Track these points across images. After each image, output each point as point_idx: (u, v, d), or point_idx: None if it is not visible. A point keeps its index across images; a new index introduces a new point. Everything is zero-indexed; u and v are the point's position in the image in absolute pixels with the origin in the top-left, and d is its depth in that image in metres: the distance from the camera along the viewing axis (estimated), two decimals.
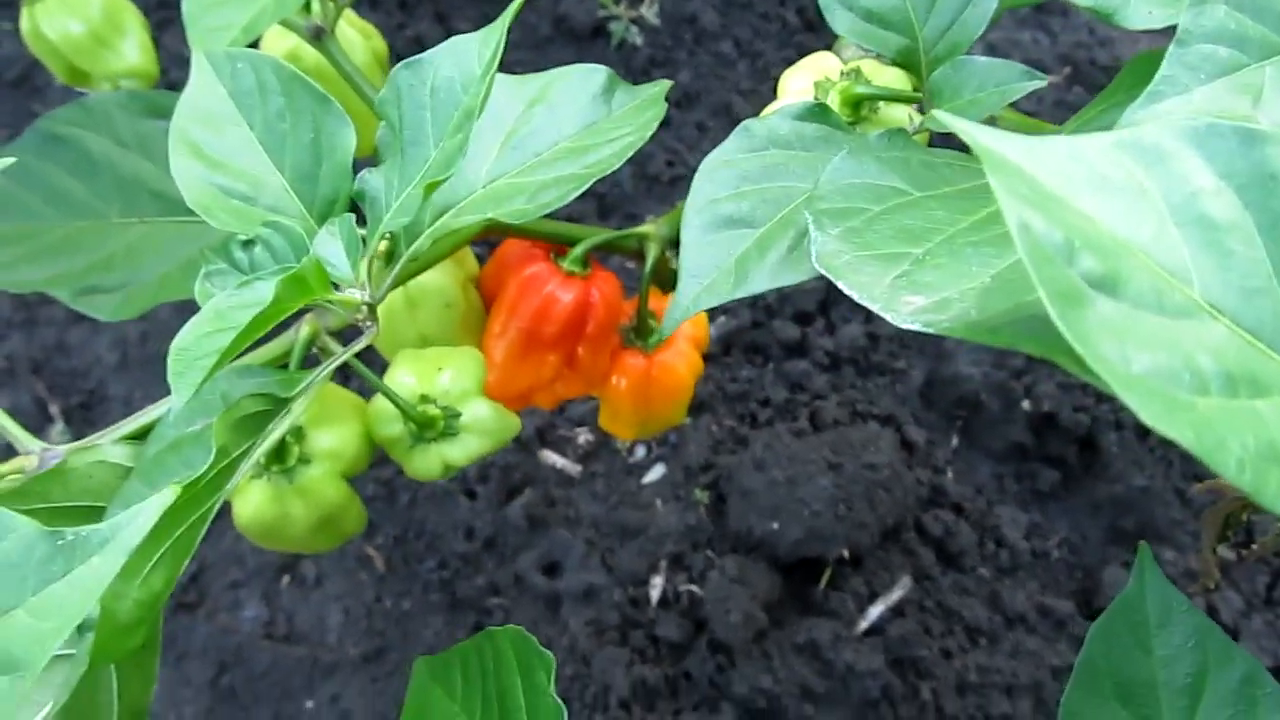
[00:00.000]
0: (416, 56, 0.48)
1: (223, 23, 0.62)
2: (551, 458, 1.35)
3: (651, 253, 0.79)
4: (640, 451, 1.38)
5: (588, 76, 0.57)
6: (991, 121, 0.56)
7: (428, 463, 0.63)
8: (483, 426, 0.63)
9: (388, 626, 1.31)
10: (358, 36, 0.78)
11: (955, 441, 1.40)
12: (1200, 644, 0.54)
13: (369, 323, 0.51)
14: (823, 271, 0.41)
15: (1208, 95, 0.37)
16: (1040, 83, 0.51)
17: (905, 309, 0.37)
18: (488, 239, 0.77)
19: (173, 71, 1.52)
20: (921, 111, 0.57)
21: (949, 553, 1.33)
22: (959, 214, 0.45)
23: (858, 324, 1.43)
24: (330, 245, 0.49)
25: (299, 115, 0.54)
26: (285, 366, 0.59)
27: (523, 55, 1.57)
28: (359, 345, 0.51)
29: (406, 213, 0.46)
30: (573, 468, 1.35)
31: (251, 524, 0.61)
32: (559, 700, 0.47)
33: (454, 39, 0.47)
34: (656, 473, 1.36)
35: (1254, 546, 0.71)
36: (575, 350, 0.78)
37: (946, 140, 0.58)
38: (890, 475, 1.30)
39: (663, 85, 0.59)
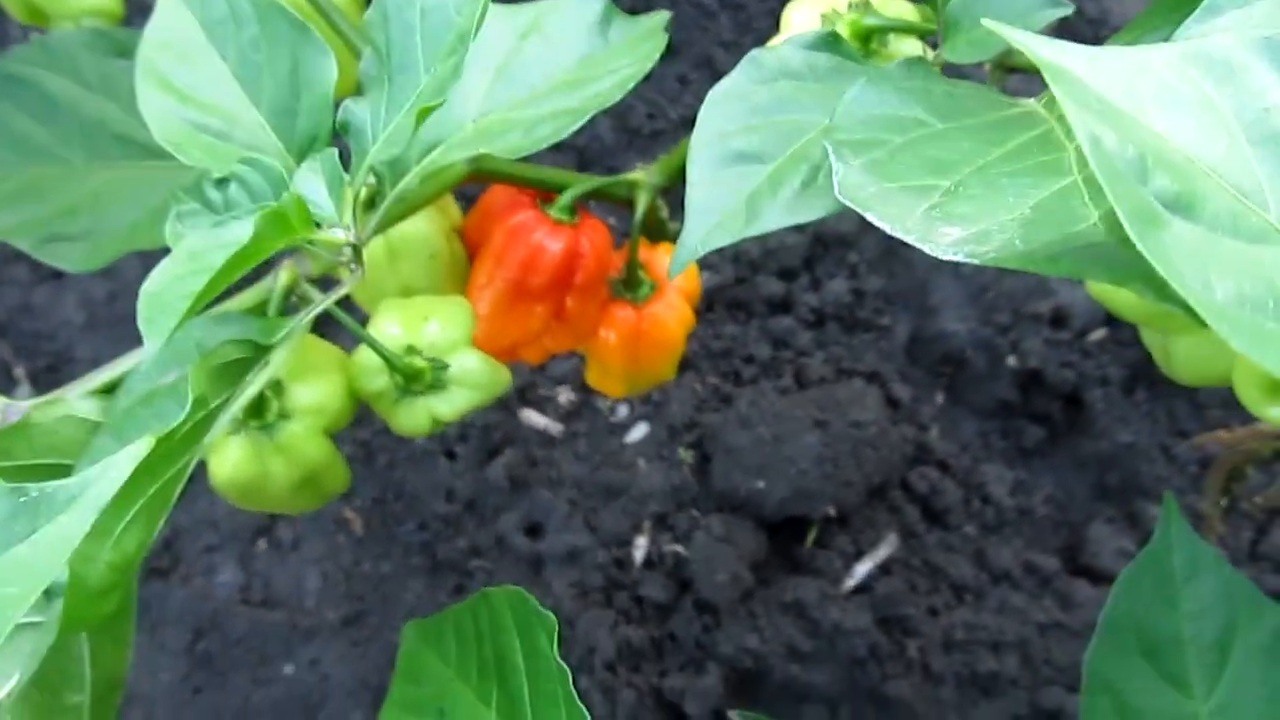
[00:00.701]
0: None
1: None
2: (532, 417, 1.32)
3: (641, 201, 0.76)
4: (623, 410, 1.35)
5: (583, 6, 0.54)
6: (1009, 55, 0.53)
7: (415, 417, 0.60)
8: (472, 379, 0.60)
9: (367, 590, 1.28)
10: None
11: (940, 399, 1.38)
12: (1229, 598, 0.52)
13: (354, 265, 0.47)
14: (849, 204, 0.39)
15: (1270, 8, 0.35)
16: (1066, 9, 0.48)
17: (943, 240, 0.35)
18: (471, 187, 0.73)
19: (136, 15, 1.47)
20: (934, 45, 0.54)
21: (934, 510, 1.32)
22: (988, 145, 0.42)
23: (842, 280, 1.40)
24: (312, 182, 0.46)
25: (276, 45, 0.50)
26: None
27: None
28: (343, 290, 0.48)
29: (395, 144, 0.43)
30: (554, 427, 1.33)
31: (229, 483, 0.58)
32: (561, 663, 0.44)
33: None
34: (640, 432, 1.33)
35: (1258, 499, 0.70)
36: (564, 302, 0.75)
37: (960, 74, 0.56)
38: (877, 433, 1.28)
39: (662, 16, 0.56)
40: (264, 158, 0.47)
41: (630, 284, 0.77)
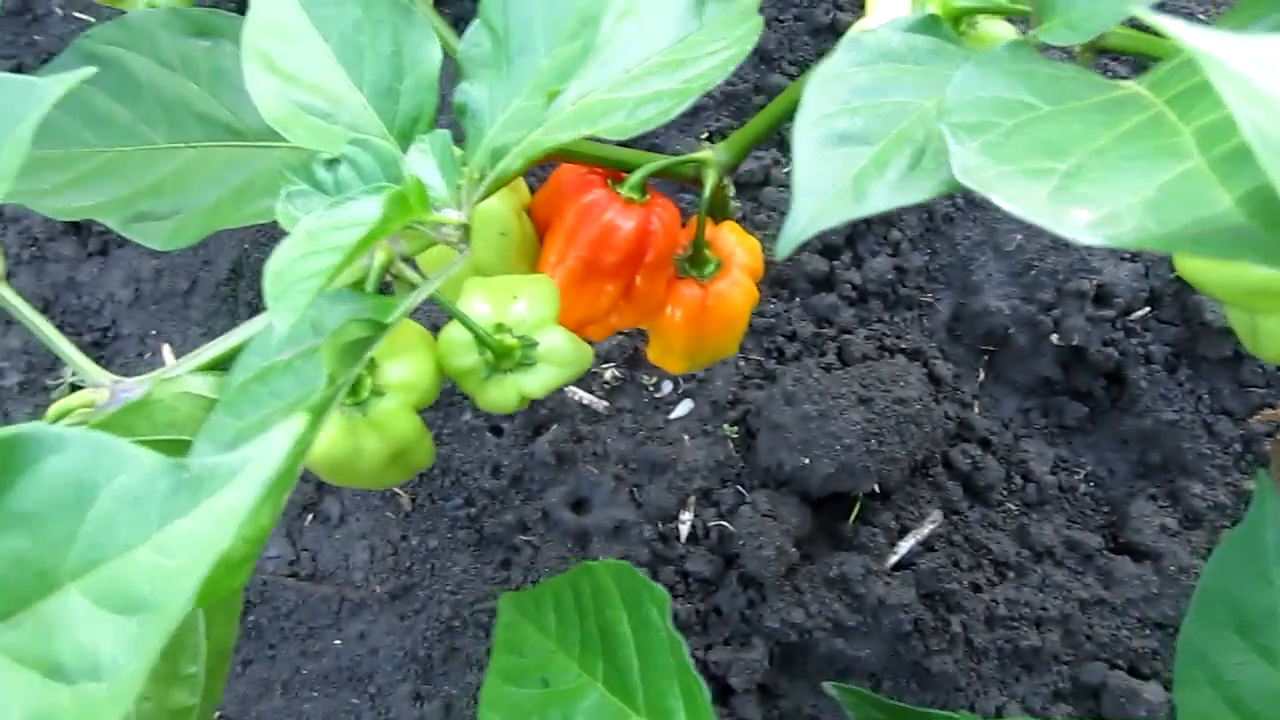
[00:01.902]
0: None
1: None
2: (578, 394, 1.33)
3: (710, 180, 0.76)
4: (667, 387, 1.36)
5: None
6: (1101, 37, 0.53)
7: (504, 394, 0.61)
8: (560, 356, 0.61)
9: (414, 564, 1.29)
10: None
11: (982, 375, 1.39)
12: None
13: (462, 245, 0.48)
14: (971, 186, 0.39)
15: None
16: None
17: (1076, 223, 0.35)
18: (540, 165, 0.74)
19: None
20: (1021, 27, 0.55)
21: (976, 487, 1.32)
22: (1099, 128, 0.43)
23: (885, 257, 1.41)
24: (423, 163, 0.47)
25: (378, 27, 0.51)
26: None
27: None
28: (455, 269, 0.48)
29: (519, 126, 0.43)
30: (599, 404, 1.34)
31: (322, 459, 0.59)
32: (675, 634, 0.45)
33: None
34: (684, 408, 1.34)
35: None
36: (633, 280, 0.76)
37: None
38: (920, 410, 1.29)
39: None
40: (375, 139, 0.47)
41: (696, 261, 0.78)
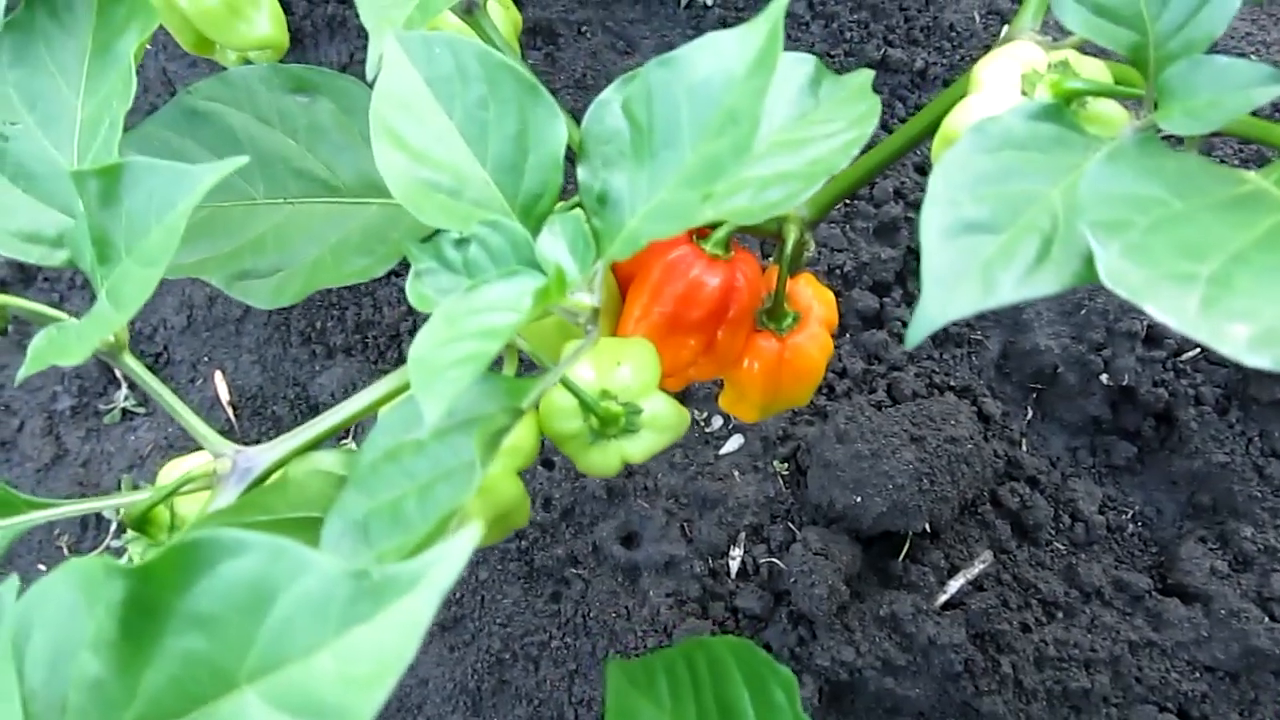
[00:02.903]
0: (670, 54, 0.45)
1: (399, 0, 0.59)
2: None
3: (791, 236, 0.77)
4: (717, 422, 1.36)
5: (795, 66, 0.55)
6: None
7: (606, 459, 0.61)
8: (662, 422, 0.61)
9: (465, 595, 1.30)
10: (499, 8, 0.75)
11: (1030, 414, 1.39)
12: None
13: (590, 327, 0.49)
14: (1121, 293, 0.40)
15: None
16: None
17: (1238, 340, 0.36)
18: None
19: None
20: (1134, 109, 0.55)
21: (1025, 526, 1.33)
22: (1235, 228, 0.43)
23: None
24: (556, 246, 0.47)
25: (503, 104, 0.51)
26: None
27: (590, 13, 1.54)
28: (585, 349, 0.49)
29: (665, 219, 0.44)
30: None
31: None
32: (805, 716, 0.45)
33: (710, 35, 0.45)
34: (734, 444, 1.35)
35: None
36: (715, 334, 0.77)
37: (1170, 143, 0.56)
38: (971, 449, 1.29)
39: (867, 75, 0.57)
40: (506, 220, 0.48)
41: (775, 315, 0.78)
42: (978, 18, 1.56)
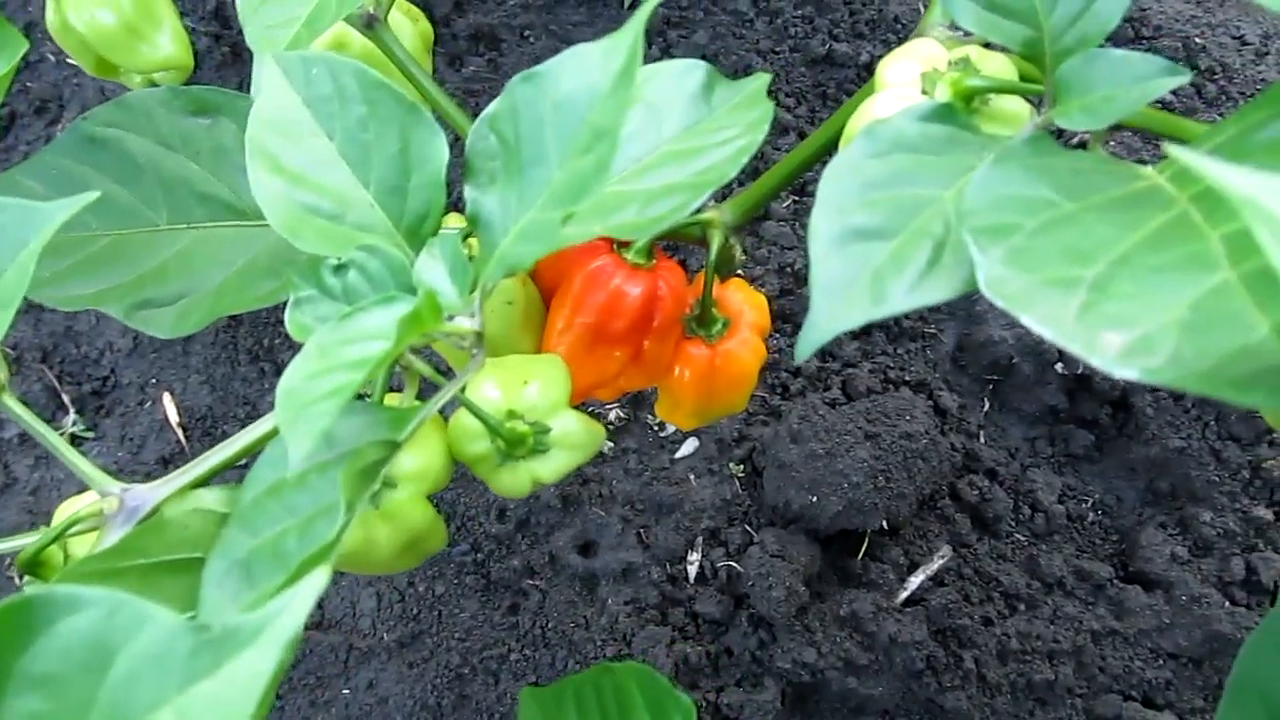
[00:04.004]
0: (535, 69, 0.44)
1: (283, 17, 0.58)
2: None
3: (715, 240, 0.76)
4: (671, 426, 1.35)
5: (685, 73, 0.54)
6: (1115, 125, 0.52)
7: (516, 480, 0.60)
8: (572, 440, 0.60)
9: (422, 611, 1.28)
10: (406, 21, 0.74)
11: (987, 406, 1.38)
12: None
13: (475, 350, 0.47)
14: (1000, 303, 0.38)
15: None
16: (1184, 77, 0.48)
17: (1110, 349, 0.34)
18: None
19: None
20: (1037, 104, 0.54)
21: (985, 519, 1.32)
22: (1122, 229, 0.42)
23: None
24: (434, 269, 0.46)
25: (384, 124, 0.50)
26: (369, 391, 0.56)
27: (532, 17, 1.52)
28: (466, 378, 0.48)
29: (532, 239, 0.43)
30: (604, 444, 1.33)
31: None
32: None
33: (576, 48, 0.43)
34: (689, 447, 1.33)
35: None
36: (642, 344, 0.75)
37: (1063, 139, 0.55)
38: (926, 444, 1.28)
39: (763, 79, 0.56)
40: (384, 245, 0.47)
41: (704, 321, 0.77)
42: (922, 9, 1.55)
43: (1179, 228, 0.41)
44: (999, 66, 0.56)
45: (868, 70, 1.51)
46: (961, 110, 0.53)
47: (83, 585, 0.34)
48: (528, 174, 0.43)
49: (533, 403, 0.59)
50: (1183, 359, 0.33)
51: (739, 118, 0.52)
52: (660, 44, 1.48)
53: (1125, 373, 0.33)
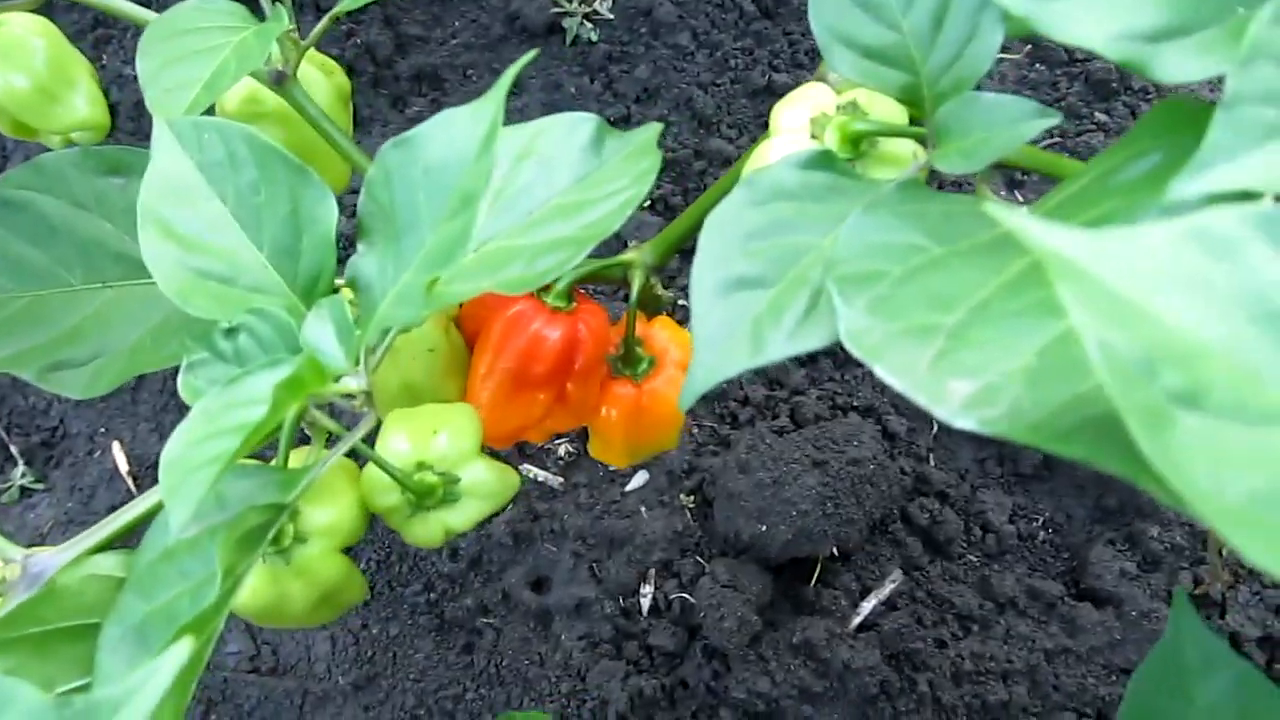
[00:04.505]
0: (405, 134, 0.45)
1: (182, 80, 0.59)
2: (532, 471, 1.33)
3: (636, 281, 0.76)
4: None
5: (575, 126, 0.54)
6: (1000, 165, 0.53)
7: (428, 531, 0.60)
8: (483, 489, 0.61)
9: (377, 653, 1.28)
10: (319, 75, 0.75)
11: (935, 428, 1.39)
12: (1243, 692, 0.53)
13: (366, 409, 0.48)
14: (857, 355, 0.39)
15: (1259, 162, 0.35)
16: (1054, 119, 0.49)
17: (954, 400, 0.35)
18: None
19: (113, 92, 1.47)
20: (925, 146, 0.55)
21: (936, 541, 1.33)
22: (986, 273, 0.43)
23: None
24: (321, 330, 0.46)
25: (274, 187, 0.51)
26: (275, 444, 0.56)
27: (475, 56, 1.53)
28: (359, 433, 0.48)
29: (406, 303, 0.43)
30: (554, 480, 1.33)
31: (248, 607, 0.58)
32: None
33: (444, 113, 0.44)
34: (639, 480, 1.34)
35: None
36: (565, 387, 0.76)
37: (949, 182, 0.56)
38: (875, 469, 1.29)
39: (654, 129, 0.57)
40: (272, 308, 0.47)
41: (629, 361, 0.78)
42: None
43: (1035, 271, 0.42)
44: (888, 109, 0.57)
45: None
46: (845, 155, 0.54)
47: None
48: (404, 239, 0.44)
49: (442, 453, 0.60)
50: (1020, 410, 0.34)
51: (629, 168, 0.53)
52: (603, 79, 1.50)
53: (964, 424, 0.34)
